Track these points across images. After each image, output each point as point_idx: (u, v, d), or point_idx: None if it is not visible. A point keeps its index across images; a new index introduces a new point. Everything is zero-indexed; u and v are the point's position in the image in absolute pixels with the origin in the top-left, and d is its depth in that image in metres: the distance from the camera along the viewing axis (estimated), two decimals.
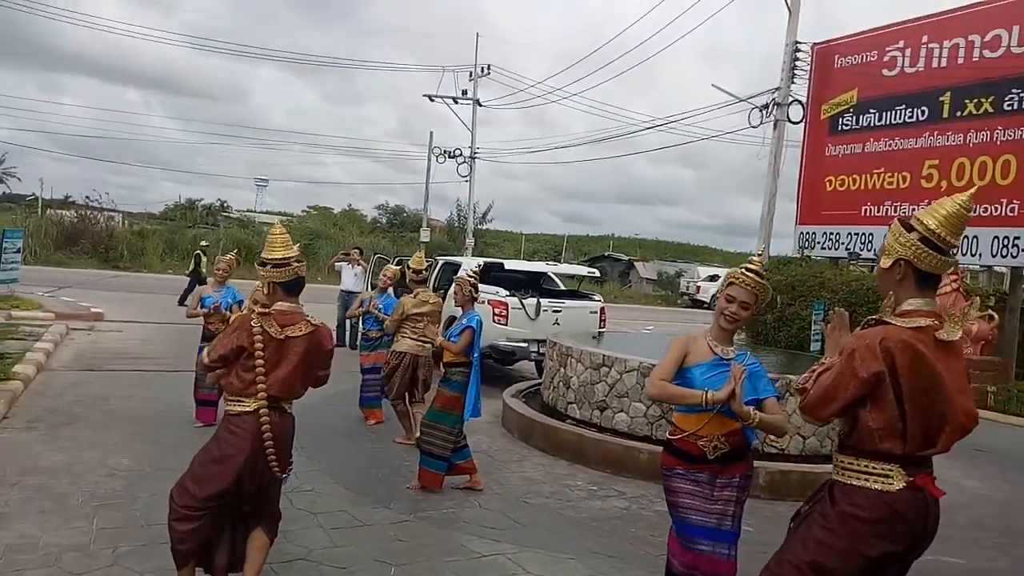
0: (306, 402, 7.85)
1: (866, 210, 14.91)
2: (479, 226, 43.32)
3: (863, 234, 14.96)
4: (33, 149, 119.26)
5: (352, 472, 5.68)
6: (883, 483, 2.24)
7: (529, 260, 21.80)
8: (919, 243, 2.27)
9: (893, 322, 2.27)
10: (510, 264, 10.73)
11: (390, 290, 7.66)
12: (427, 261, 10.99)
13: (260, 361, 3.10)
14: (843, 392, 2.25)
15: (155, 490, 4.58)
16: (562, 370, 7.37)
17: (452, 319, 10.41)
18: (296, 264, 3.27)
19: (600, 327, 10.14)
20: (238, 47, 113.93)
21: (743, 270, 3.02)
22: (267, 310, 3.19)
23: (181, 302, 17.02)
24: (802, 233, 16.28)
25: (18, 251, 14.31)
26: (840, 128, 15.60)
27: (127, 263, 29.23)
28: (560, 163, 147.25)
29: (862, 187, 15.02)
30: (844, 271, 15.74)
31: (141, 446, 5.84)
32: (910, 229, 2.31)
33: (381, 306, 7.33)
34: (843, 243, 15.41)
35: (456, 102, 30.63)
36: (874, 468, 2.26)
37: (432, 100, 30.58)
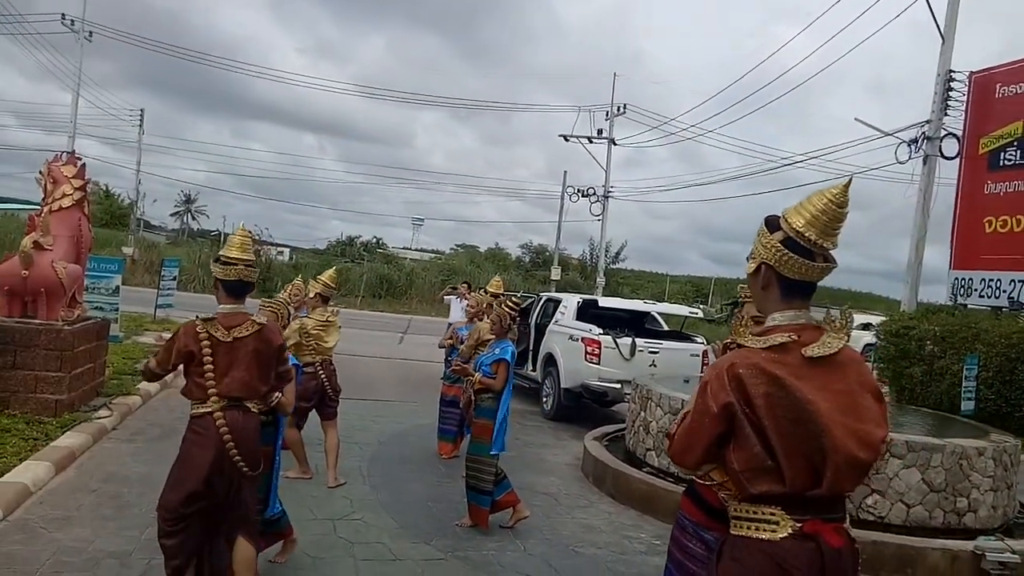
0: (392, 432, 8.17)
1: None
2: (611, 265, 42.93)
3: None
4: (221, 190, 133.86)
5: (407, 504, 5.63)
6: (767, 531, 1.84)
7: (671, 302, 21.24)
8: (780, 245, 1.92)
9: (748, 344, 1.91)
10: (604, 301, 10.46)
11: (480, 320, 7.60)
12: (529, 296, 10.78)
13: (209, 366, 3.17)
14: (701, 433, 1.89)
15: None
16: (643, 414, 7.00)
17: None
18: (243, 267, 3.28)
19: (701, 371, 9.58)
20: (403, 94, 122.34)
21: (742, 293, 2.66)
22: (211, 315, 3.24)
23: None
24: (957, 279, 14.69)
25: (174, 279, 15.77)
26: (1002, 163, 14.02)
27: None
28: (701, 201, 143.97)
29: None
30: (1005, 321, 13.95)
31: None
32: (775, 228, 1.95)
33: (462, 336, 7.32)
34: (1005, 291, 13.74)
35: (591, 141, 30.80)
36: (754, 513, 1.87)
37: (567, 140, 30.94)
